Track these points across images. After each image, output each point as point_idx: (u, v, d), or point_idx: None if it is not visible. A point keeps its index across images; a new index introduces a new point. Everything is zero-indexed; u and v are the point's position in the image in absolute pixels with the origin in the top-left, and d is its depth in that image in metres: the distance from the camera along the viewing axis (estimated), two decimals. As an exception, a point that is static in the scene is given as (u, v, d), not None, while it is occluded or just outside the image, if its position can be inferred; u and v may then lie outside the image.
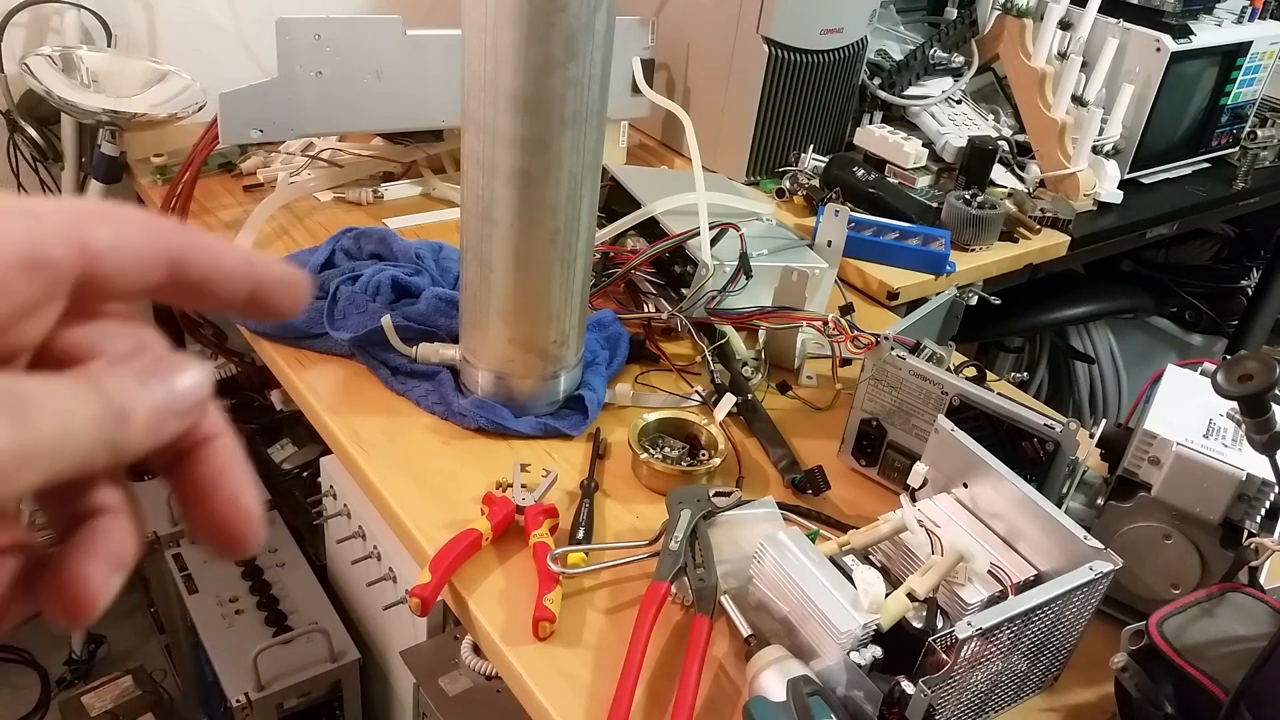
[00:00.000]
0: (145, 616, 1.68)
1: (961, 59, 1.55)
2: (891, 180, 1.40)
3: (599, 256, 1.08)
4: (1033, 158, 1.52)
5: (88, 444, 0.21)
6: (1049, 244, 1.38)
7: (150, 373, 0.23)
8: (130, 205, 0.24)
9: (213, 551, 0.24)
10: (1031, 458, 0.77)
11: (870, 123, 1.51)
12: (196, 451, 0.24)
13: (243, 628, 1.27)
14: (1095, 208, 1.51)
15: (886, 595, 0.64)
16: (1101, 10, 1.51)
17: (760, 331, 1.02)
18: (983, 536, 0.71)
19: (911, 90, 1.53)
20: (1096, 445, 0.78)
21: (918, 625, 0.63)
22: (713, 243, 1.01)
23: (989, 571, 0.68)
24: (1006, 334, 1.97)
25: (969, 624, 0.59)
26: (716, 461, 0.86)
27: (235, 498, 0.24)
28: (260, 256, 0.26)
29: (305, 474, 1.49)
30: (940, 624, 0.63)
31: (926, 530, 0.69)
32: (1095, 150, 1.50)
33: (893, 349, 0.84)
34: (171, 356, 0.24)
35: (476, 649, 0.93)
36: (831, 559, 0.68)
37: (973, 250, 1.31)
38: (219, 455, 0.24)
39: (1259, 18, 1.67)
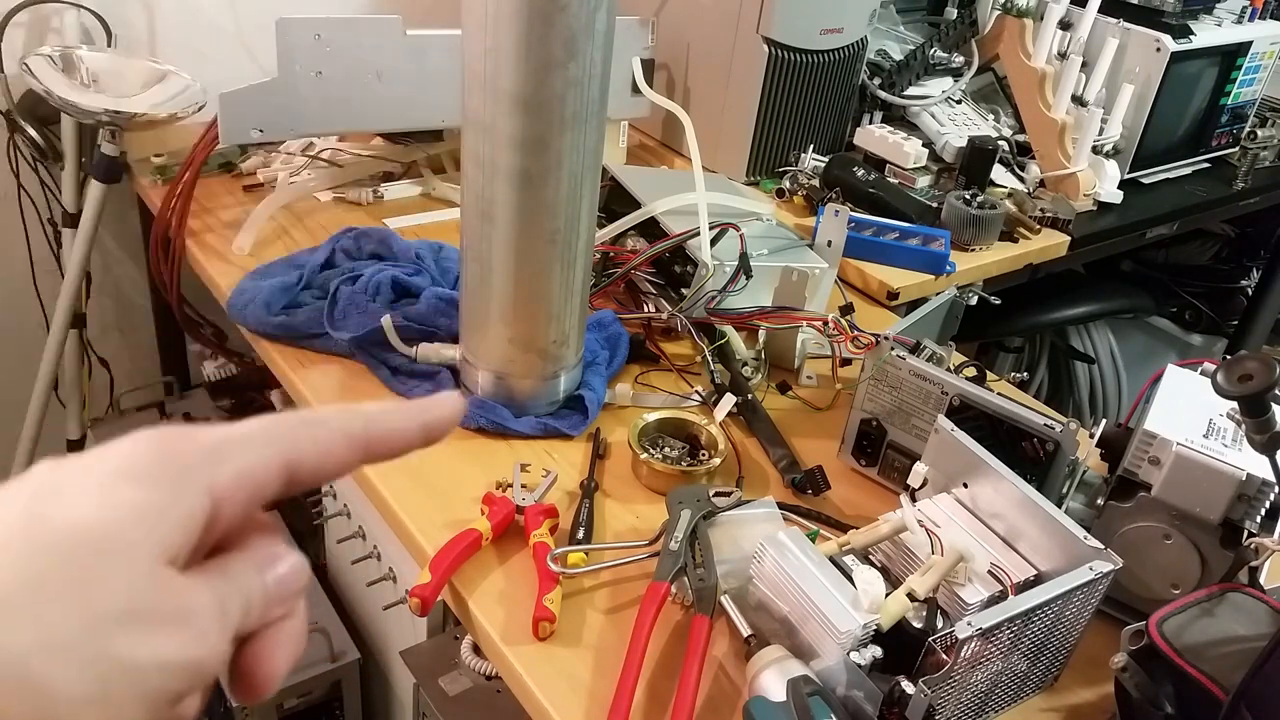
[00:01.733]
0: (145, 616, 1.67)
1: (961, 59, 1.55)
2: (891, 180, 1.40)
3: (599, 256, 1.08)
4: (1033, 158, 1.52)
5: (235, 630, 0.27)
6: (1049, 244, 1.38)
7: (265, 565, 0.29)
8: (328, 411, 0.30)
9: (235, 695, 0.30)
10: (1031, 458, 0.77)
11: (870, 123, 1.51)
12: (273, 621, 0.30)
13: (243, 628, 1.27)
14: (1095, 208, 1.51)
15: (886, 595, 0.64)
16: (1101, 10, 1.51)
17: (760, 331, 1.02)
18: (983, 536, 0.71)
19: (911, 90, 1.53)
20: (1096, 445, 0.78)
21: (918, 625, 0.63)
22: (713, 243, 1.01)
23: (989, 571, 0.68)
24: (1006, 334, 1.97)
25: (969, 624, 0.59)
26: (716, 461, 0.86)
27: (274, 671, 0.29)
28: (427, 405, 0.32)
29: (305, 474, 1.48)
30: (940, 624, 0.63)
31: (926, 530, 0.69)
32: (1095, 150, 1.50)
33: (893, 349, 0.84)
34: (281, 550, 0.29)
35: (476, 649, 0.93)
36: (831, 559, 0.68)
37: (973, 250, 1.31)
38: (286, 632, 0.30)
39: (1259, 18, 1.67)
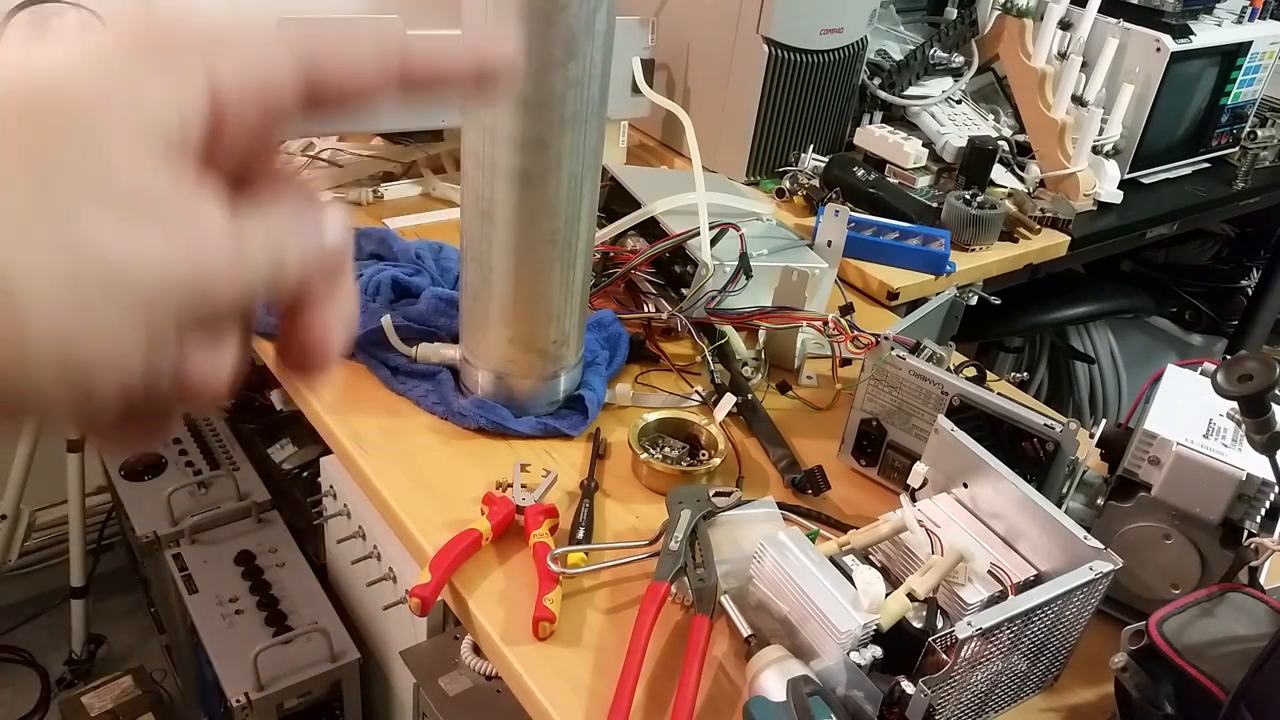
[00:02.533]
0: (145, 616, 1.68)
1: (961, 59, 1.55)
2: (891, 180, 1.40)
3: (599, 256, 1.08)
4: (1033, 158, 1.52)
5: (261, 279, 0.23)
6: (1049, 244, 1.38)
7: (303, 213, 0.25)
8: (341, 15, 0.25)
9: (287, 369, 0.27)
10: (1031, 458, 0.77)
11: (870, 123, 1.51)
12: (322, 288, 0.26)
13: (243, 628, 1.27)
14: (1095, 208, 1.51)
15: (886, 595, 0.64)
16: (1101, 10, 1.51)
17: (760, 331, 1.02)
18: (983, 536, 0.71)
19: (911, 90, 1.53)
20: (1096, 445, 0.78)
21: (918, 625, 0.63)
22: (713, 243, 1.01)
23: (989, 571, 0.68)
24: (1006, 334, 1.97)
25: (969, 624, 0.59)
26: (716, 461, 0.86)
27: (329, 342, 0.26)
28: (479, 39, 0.27)
29: (305, 474, 1.49)
30: (940, 624, 0.63)
31: (926, 530, 0.69)
32: (1095, 150, 1.50)
33: (893, 349, 0.84)
34: (321, 205, 0.26)
35: (476, 649, 0.93)
36: (831, 559, 0.68)
37: (973, 250, 1.31)
38: (338, 302, 0.27)
39: (1259, 18, 1.67)
